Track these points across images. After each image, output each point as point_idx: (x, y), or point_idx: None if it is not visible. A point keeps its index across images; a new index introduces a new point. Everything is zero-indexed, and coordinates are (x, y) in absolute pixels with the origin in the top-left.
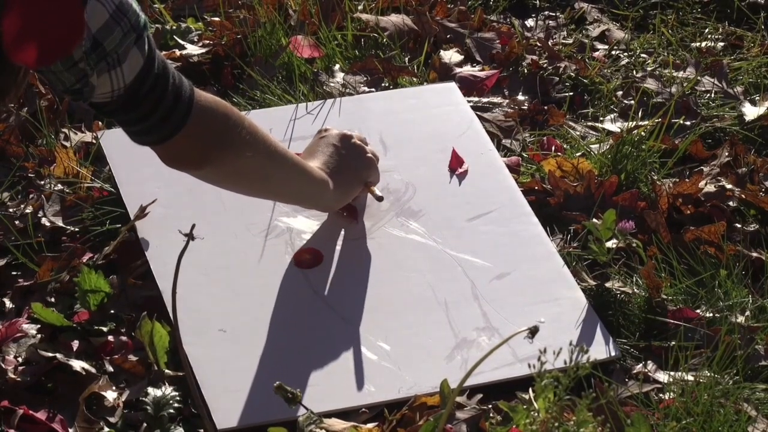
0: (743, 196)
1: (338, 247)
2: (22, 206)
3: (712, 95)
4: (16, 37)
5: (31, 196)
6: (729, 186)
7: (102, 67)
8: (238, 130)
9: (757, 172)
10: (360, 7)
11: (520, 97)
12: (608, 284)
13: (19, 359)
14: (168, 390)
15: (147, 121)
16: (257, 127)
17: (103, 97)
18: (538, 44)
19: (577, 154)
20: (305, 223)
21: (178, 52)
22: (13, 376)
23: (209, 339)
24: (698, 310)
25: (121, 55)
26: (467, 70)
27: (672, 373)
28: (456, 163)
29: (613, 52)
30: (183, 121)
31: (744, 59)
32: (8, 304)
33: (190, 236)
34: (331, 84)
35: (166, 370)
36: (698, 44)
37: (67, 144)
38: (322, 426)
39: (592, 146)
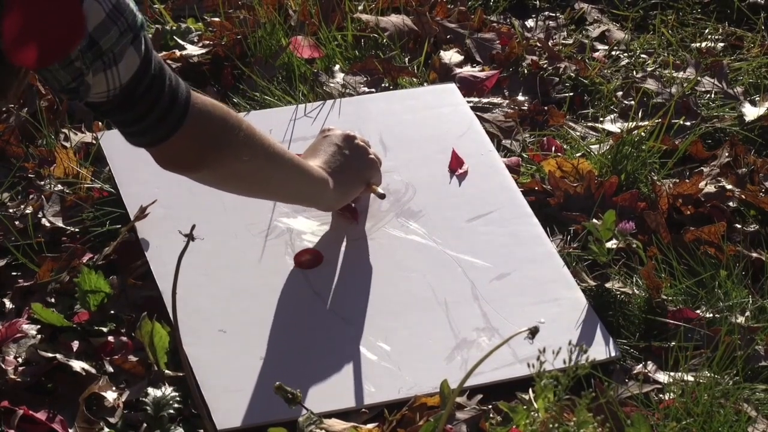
0: (743, 196)
1: (339, 248)
2: (22, 206)
3: (712, 96)
4: (16, 37)
5: (31, 196)
6: (729, 186)
7: (98, 66)
8: (235, 133)
9: (757, 173)
10: (360, 8)
11: (520, 98)
12: (608, 285)
13: (19, 359)
14: (168, 390)
15: (143, 122)
16: (255, 129)
17: (99, 96)
18: (538, 44)
19: (577, 155)
20: (305, 224)
21: (178, 53)
22: (13, 377)
23: (209, 339)
24: (698, 311)
25: (117, 54)
26: (467, 70)
27: (672, 374)
28: (456, 164)
29: (613, 53)
30: (179, 122)
31: (744, 60)
32: (8, 304)
33: (190, 237)
34: (331, 84)
35: (166, 371)
36: (698, 44)
37: (67, 144)
38: (322, 426)
39: (592, 147)
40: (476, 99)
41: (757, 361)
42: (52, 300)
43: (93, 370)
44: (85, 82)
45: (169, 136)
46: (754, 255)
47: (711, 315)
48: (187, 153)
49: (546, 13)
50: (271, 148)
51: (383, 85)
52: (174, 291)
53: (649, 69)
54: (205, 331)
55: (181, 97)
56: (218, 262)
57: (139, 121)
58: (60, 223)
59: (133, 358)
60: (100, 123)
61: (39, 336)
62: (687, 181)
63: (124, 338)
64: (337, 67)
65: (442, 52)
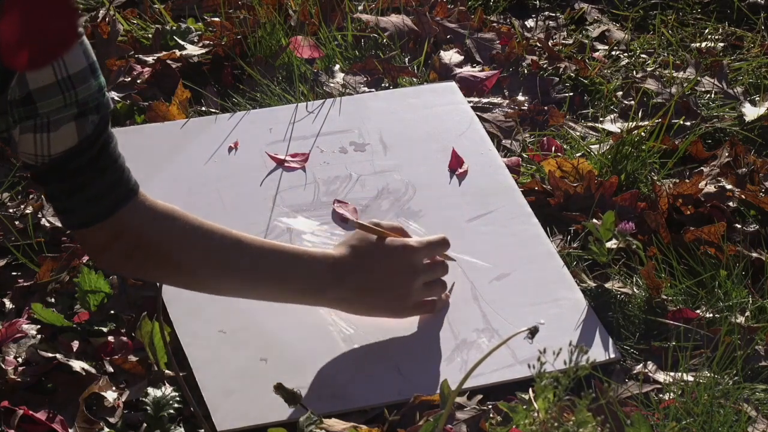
0: (743, 196)
1: None
2: (22, 206)
3: (712, 95)
4: (10, 40)
5: (31, 196)
6: (729, 186)
7: (28, 125)
8: (179, 254)
9: (757, 173)
10: (360, 8)
11: (520, 98)
12: (608, 285)
13: (19, 359)
14: (168, 390)
15: (70, 199)
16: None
17: (28, 157)
18: (538, 44)
19: (577, 155)
20: (305, 223)
21: (178, 53)
22: (13, 377)
23: (209, 340)
24: (698, 311)
25: (53, 123)
26: (467, 70)
27: (672, 374)
28: (456, 163)
29: (613, 53)
30: (109, 212)
31: (744, 60)
32: (8, 304)
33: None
34: (331, 84)
35: (166, 371)
36: (698, 44)
37: None
38: (322, 426)
39: (592, 146)
40: (476, 99)
41: (757, 361)
42: (52, 300)
43: (93, 370)
44: (12, 136)
45: (92, 224)
46: (754, 255)
47: (711, 315)
48: (106, 247)
49: (546, 13)
50: (224, 270)
51: (383, 85)
52: (161, 308)
53: (649, 69)
54: (205, 331)
55: (123, 188)
56: None
57: (67, 197)
58: (60, 223)
59: (133, 358)
60: None
61: (39, 336)
62: (687, 181)
63: (124, 338)
64: (337, 67)
65: (442, 52)
